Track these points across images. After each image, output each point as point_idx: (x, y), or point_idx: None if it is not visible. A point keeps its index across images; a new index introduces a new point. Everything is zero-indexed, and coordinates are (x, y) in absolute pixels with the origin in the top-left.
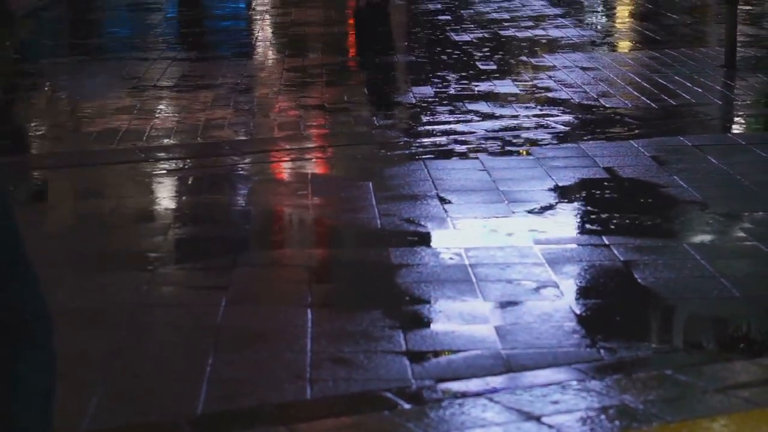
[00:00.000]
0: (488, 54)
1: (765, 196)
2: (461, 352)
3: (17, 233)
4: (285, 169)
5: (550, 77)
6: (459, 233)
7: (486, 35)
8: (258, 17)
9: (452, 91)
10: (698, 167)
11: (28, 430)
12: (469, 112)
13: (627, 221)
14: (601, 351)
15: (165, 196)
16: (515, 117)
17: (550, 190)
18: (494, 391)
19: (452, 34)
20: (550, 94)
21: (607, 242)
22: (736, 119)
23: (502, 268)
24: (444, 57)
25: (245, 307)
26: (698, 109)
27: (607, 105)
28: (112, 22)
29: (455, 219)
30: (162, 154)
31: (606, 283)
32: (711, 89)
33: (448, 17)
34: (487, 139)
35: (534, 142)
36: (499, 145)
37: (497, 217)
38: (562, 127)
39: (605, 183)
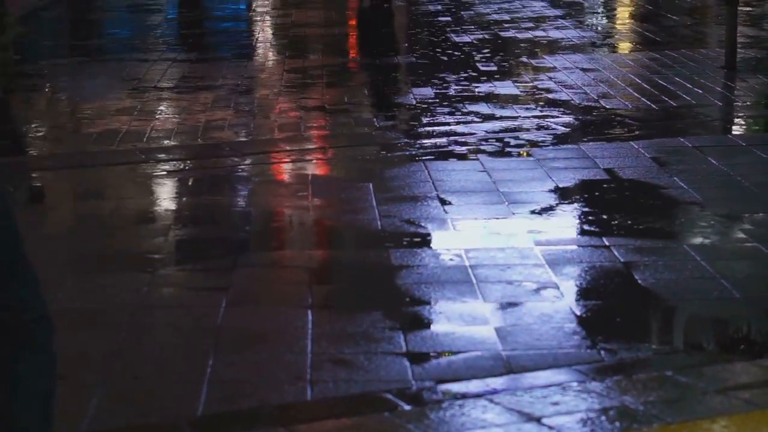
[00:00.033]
0: (488, 55)
1: (765, 198)
2: (461, 353)
3: (17, 233)
4: (285, 171)
5: (550, 78)
6: (459, 234)
7: (486, 36)
8: (258, 18)
9: (452, 93)
10: (698, 168)
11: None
12: (469, 113)
13: (627, 222)
14: (602, 352)
15: (165, 197)
16: (515, 118)
17: (551, 191)
18: (494, 392)
19: (452, 35)
20: (550, 96)
21: (607, 243)
22: (736, 120)
23: (503, 269)
24: (444, 58)
25: (245, 309)
26: (698, 111)
27: (607, 106)
28: (112, 23)
29: (455, 220)
30: (162, 156)
31: (606, 285)
32: (711, 90)
33: (449, 18)
34: (487, 140)
35: (534, 144)
36: (499, 147)
37: (497, 219)
38: (563, 128)
39: (605, 184)
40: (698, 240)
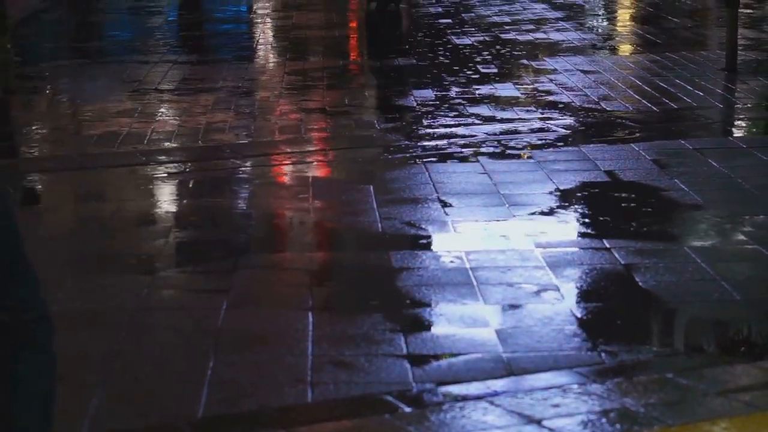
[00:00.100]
0: (489, 57)
1: (766, 200)
2: (462, 355)
3: (17, 233)
4: (286, 173)
5: (551, 80)
6: (460, 236)
7: (487, 38)
8: (259, 20)
9: (453, 95)
10: (699, 170)
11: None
12: (470, 115)
13: (628, 224)
14: (602, 354)
15: (166, 199)
16: (516, 120)
17: (551, 193)
18: (495, 394)
19: (453, 37)
20: (551, 98)
21: (607, 245)
22: (737, 122)
23: (503, 271)
24: (445, 60)
25: (246, 310)
26: (699, 113)
27: (607, 108)
28: (112, 25)
29: (456, 222)
30: (163, 157)
31: (607, 287)
32: (712, 92)
33: (449, 21)
34: (487, 142)
35: (535, 146)
36: (500, 149)
37: (498, 221)
38: (563, 130)
39: (606, 186)
40: (699, 242)
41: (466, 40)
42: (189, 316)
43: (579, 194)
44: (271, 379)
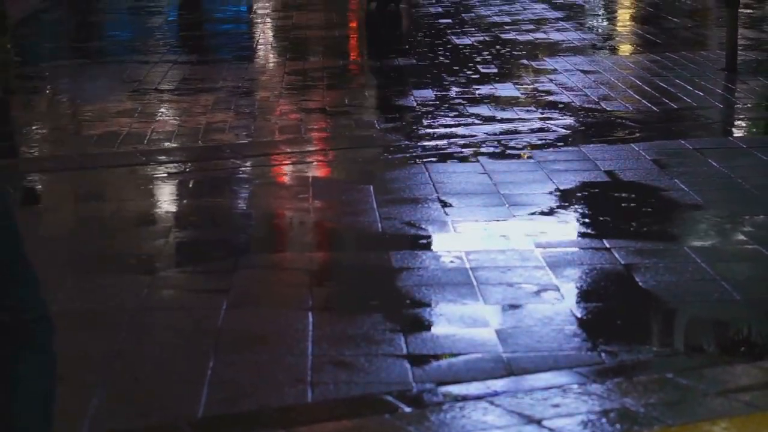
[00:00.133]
0: (489, 57)
1: (766, 200)
2: (462, 355)
3: (17, 233)
4: (286, 173)
5: (551, 80)
6: (460, 236)
7: (487, 38)
8: (259, 20)
9: (453, 95)
10: (699, 170)
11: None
12: (470, 115)
13: (628, 224)
14: (602, 354)
15: (166, 199)
16: (516, 120)
17: (551, 193)
18: (495, 394)
19: (453, 37)
20: (551, 98)
21: (607, 245)
22: (737, 122)
23: (503, 271)
24: (445, 60)
25: (246, 310)
26: (699, 113)
27: (608, 108)
28: (112, 25)
29: (456, 222)
30: (163, 157)
31: (607, 287)
32: (712, 92)
33: (449, 21)
34: (487, 142)
35: (535, 146)
36: (500, 149)
37: (498, 221)
38: (563, 130)
39: (606, 186)
40: (699, 242)
41: (466, 40)
42: (189, 316)
43: (579, 194)
44: (271, 379)
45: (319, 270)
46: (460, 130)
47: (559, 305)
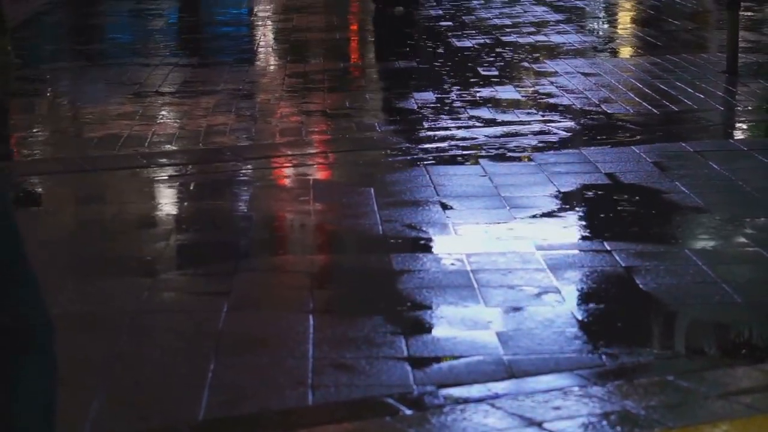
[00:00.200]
0: (490, 60)
1: (767, 202)
2: (463, 357)
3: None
4: (286, 175)
5: (551, 83)
6: (461, 239)
7: (488, 41)
8: (260, 23)
9: (454, 97)
10: (700, 173)
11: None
12: (470, 117)
13: (628, 227)
14: (603, 357)
15: (167, 201)
16: (517, 123)
17: (552, 195)
18: (496, 396)
19: (454, 40)
20: (551, 100)
21: (608, 248)
22: (737, 125)
23: (504, 273)
24: (446, 63)
25: (247, 313)
26: (700, 115)
27: (608, 111)
28: (113, 27)
29: (457, 225)
30: (164, 160)
31: (607, 289)
32: (713, 95)
33: (450, 23)
34: (488, 144)
35: (535, 148)
36: (500, 151)
37: (499, 223)
38: (564, 132)
39: (607, 189)
40: (699, 244)
41: (467, 43)
42: (190, 319)
43: (580, 197)
44: (271, 382)
45: (319, 272)
46: (460, 133)
47: (560, 308)
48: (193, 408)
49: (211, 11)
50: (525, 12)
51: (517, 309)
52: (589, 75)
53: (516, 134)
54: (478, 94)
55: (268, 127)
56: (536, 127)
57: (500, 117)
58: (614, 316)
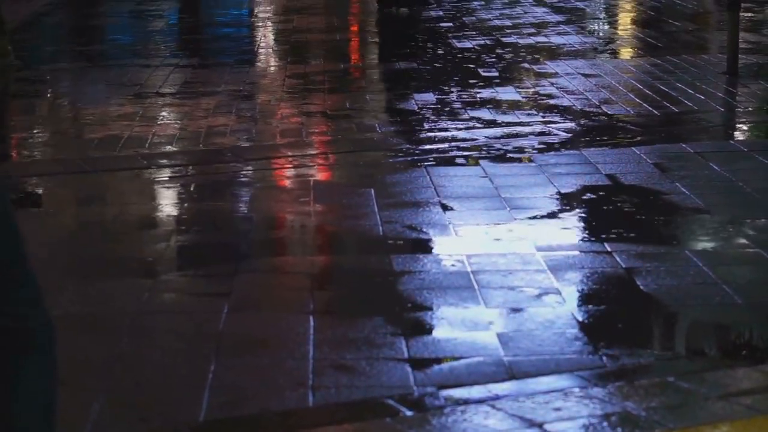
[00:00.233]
0: (490, 61)
1: (767, 203)
2: (463, 359)
3: (17, 234)
4: (287, 176)
5: (552, 84)
6: (461, 240)
7: (488, 42)
8: (260, 24)
9: (454, 98)
10: (700, 174)
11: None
12: (471, 118)
13: (629, 228)
14: (604, 358)
15: (167, 202)
16: (517, 124)
17: (552, 196)
18: (496, 398)
19: (454, 41)
20: (552, 101)
21: (609, 249)
22: (738, 126)
23: (504, 275)
24: (446, 64)
25: (247, 314)
26: (700, 116)
27: (609, 112)
28: (113, 28)
29: (457, 226)
30: (164, 161)
31: (608, 290)
32: (713, 96)
33: (450, 24)
34: (489, 145)
35: (536, 149)
36: (501, 152)
37: (499, 224)
38: (564, 133)
39: (607, 190)
40: (700, 246)
41: (467, 44)
42: (190, 320)
43: (580, 198)
44: (272, 383)
45: (320, 273)
46: (461, 134)
47: (560, 309)
48: (193, 409)
49: (211, 12)
50: (525, 13)
51: (517, 310)
52: (589, 76)
53: (516, 135)
54: (478, 95)
55: (269, 128)
56: (537, 128)
57: (501, 118)
58: (615, 318)
